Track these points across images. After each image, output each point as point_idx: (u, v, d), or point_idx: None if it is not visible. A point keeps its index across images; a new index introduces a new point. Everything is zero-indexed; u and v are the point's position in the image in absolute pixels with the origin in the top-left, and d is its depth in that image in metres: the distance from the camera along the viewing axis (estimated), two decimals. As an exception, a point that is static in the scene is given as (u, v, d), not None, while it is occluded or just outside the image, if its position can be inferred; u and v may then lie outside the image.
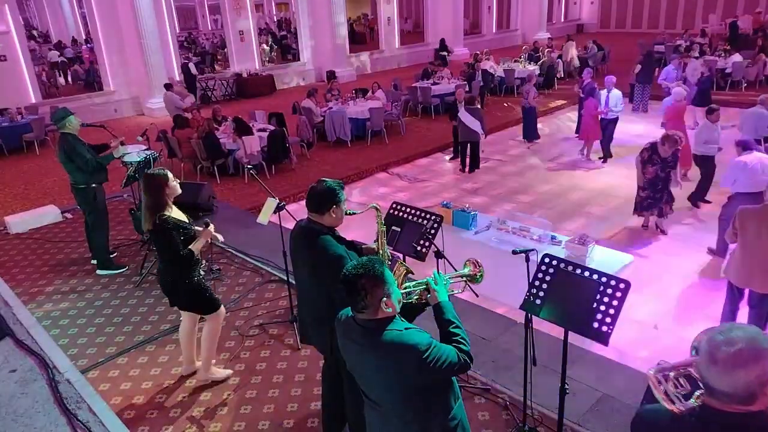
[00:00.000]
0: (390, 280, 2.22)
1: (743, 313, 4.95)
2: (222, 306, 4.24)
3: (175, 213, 3.91)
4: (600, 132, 10.34)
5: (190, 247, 3.87)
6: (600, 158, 10.50)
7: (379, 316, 2.21)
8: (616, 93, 10.07)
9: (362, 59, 21.22)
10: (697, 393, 1.69)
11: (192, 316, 4.25)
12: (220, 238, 4.19)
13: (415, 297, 2.58)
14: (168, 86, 13.58)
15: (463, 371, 2.36)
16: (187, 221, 3.98)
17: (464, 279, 2.79)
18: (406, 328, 2.23)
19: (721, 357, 1.54)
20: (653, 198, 7.29)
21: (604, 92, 10.15)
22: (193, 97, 14.91)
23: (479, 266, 2.79)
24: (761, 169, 6.00)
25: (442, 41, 22.54)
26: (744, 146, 6.19)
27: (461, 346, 2.31)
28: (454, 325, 2.39)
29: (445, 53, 21.43)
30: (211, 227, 4.05)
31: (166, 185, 3.81)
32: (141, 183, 3.85)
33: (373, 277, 2.16)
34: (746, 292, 4.83)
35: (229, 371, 4.43)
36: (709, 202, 8.02)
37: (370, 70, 21.08)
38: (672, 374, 1.80)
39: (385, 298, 2.18)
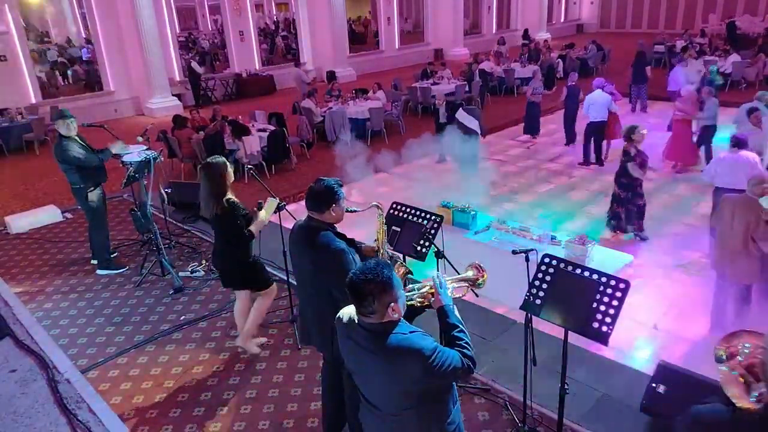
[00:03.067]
0: (398, 285, 2.19)
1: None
2: (274, 283, 4.60)
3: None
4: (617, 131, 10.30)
5: (250, 228, 4.18)
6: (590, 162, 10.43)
7: (384, 320, 2.18)
8: (594, 96, 9.88)
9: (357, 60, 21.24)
10: (762, 390, 1.68)
11: (246, 294, 4.53)
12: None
13: (418, 299, 2.54)
14: (297, 64, 16.19)
15: (467, 376, 2.35)
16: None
17: (467, 284, 2.76)
18: (411, 332, 2.20)
19: None
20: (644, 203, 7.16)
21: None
22: (315, 73, 17.01)
23: (483, 271, 2.75)
24: (746, 167, 5.98)
25: (526, 31, 22.88)
26: (736, 143, 6.08)
27: (465, 350, 2.28)
28: (458, 329, 2.36)
29: (527, 41, 21.64)
30: (274, 200, 4.42)
31: (226, 172, 4.06)
32: (202, 172, 4.11)
33: (382, 282, 2.12)
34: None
35: (261, 346, 4.74)
36: None
37: (366, 70, 21.09)
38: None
39: (392, 303, 2.15)
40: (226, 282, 4.54)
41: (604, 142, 10.36)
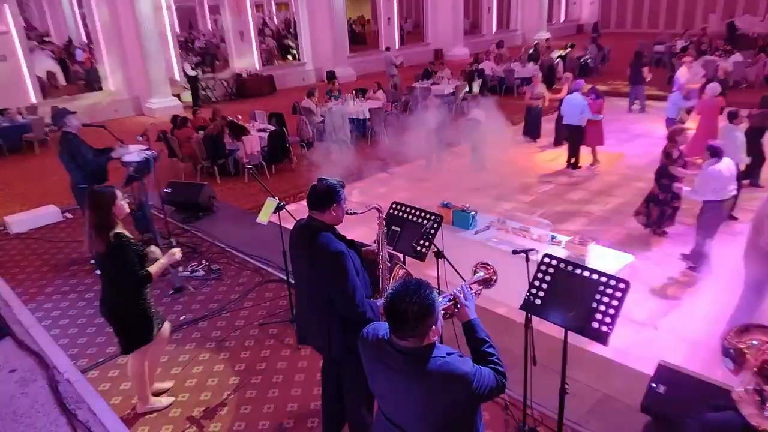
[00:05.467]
0: (439, 306, 2.08)
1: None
2: (153, 341, 3.84)
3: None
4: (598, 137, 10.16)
5: (149, 269, 3.61)
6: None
7: (424, 343, 2.06)
8: (570, 99, 9.81)
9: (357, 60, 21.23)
10: None
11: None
12: (179, 256, 3.86)
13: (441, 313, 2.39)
14: (387, 48, 18.39)
15: (501, 393, 2.25)
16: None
17: (481, 286, 2.73)
18: (448, 354, 2.09)
19: None
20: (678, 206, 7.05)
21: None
22: (402, 57, 18.48)
23: (490, 267, 2.74)
24: (729, 176, 5.93)
25: (596, 24, 23.09)
26: (714, 152, 5.96)
27: (498, 367, 2.21)
28: (487, 345, 2.28)
29: (595, 34, 21.89)
30: (177, 251, 3.84)
31: (114, 204, 3.55)
32: (88, 201, 3.55)
33: (426, 306, 2.00)
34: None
35: (171, 398, 4.17)
36: (735, 218, 7.46)
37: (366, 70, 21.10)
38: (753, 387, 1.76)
39: (433, 326, 2.04)
40: (122, 342, 3.76)
41: (590, 148, 10.22)
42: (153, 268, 3.64)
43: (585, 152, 10.27)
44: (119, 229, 3.54)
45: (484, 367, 2.16)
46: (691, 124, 9.68)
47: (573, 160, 10.15)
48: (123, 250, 3.50)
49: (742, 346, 1.94)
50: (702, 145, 9.50)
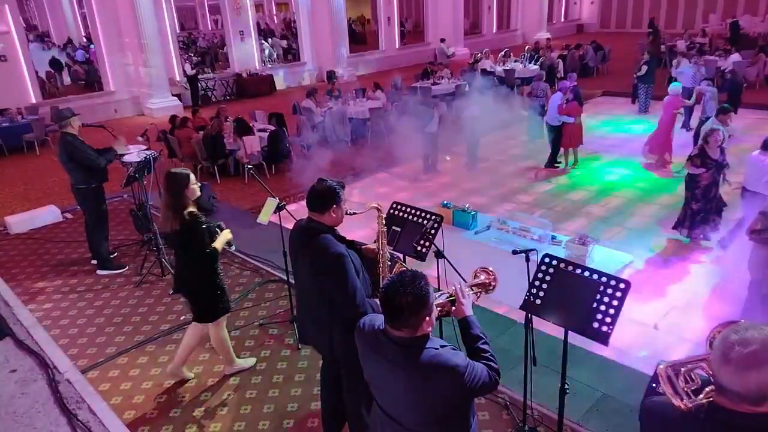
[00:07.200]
0: (433, 298, 2.10)
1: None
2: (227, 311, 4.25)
3: None
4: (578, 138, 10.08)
5: (214, 245, 3.92)
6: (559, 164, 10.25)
7: (417, 334, 2.09)
8: (552, 98, 9.84)
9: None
10: (708, 389, 1.66)
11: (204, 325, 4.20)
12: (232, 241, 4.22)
13: (438, 309, 2.40)
14: (442, 40, 20.03)
15: (494, 389, 2.26)
16: None
17: (480, 290, 2.74)
18: (441, 346, 2.12)
19: (734, 357, 1.51)
20: (705, 209, 6.87)
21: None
22: (453, 49, 20.47)
23: (492, 274, 2.74)
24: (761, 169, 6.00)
25: (652, 20, 23.28)
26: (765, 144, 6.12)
27: (491, 363, 2.23)
28: (482, 341, 2.30)
29: (651, 30, 22.03)
30: (227, 230, 4.13)
31: (187, 186, 3.81)
32: (163, 182, 3.84)
33: (420, 296, 2.02)
34: None
35: (253, 359, 4.57)
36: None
37: (367, 70, 21.09)
38: (683, 369, 1.77)
39: (427, 318, 2.07)
40: (197, 312, 4.10)
41: (571, 150, 10.16)
42: (217, 244, 3.94)
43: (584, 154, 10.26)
44: (192, 209, 3.83)
45: (478, 362, 2.18)
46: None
47: (552, 159, 10.22)
48: (197, 227, 3.81)
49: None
50: (661, 140, 9.69)
